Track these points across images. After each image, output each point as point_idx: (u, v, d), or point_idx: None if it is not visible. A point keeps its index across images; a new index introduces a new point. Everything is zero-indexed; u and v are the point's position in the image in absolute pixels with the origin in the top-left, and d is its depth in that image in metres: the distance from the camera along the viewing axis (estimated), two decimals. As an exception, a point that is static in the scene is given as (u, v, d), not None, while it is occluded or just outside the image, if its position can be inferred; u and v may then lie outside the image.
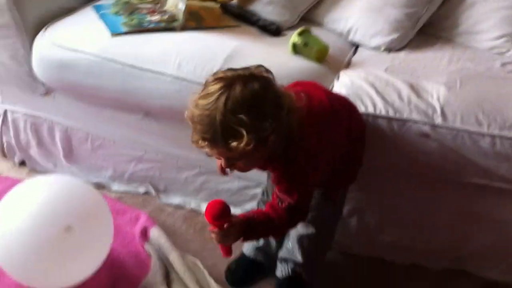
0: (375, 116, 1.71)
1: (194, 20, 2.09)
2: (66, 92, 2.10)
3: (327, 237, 1.80)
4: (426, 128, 1.67)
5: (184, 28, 2.03)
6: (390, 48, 2.04)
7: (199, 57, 1.87)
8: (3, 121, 2.28)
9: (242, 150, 1.26)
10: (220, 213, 1.37)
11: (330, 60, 1.97)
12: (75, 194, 1.70)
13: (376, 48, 2.06)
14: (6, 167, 2.34)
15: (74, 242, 1.63)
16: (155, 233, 1.95)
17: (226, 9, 2.22)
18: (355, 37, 2.11)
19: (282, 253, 1.77)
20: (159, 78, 1.87)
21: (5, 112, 2.26)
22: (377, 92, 1.75)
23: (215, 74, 1.35)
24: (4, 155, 2.37)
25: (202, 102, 1.30)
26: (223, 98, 1.26)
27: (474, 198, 1.77)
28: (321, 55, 1.93)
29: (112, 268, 1.86)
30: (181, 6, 2.06)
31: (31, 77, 2.08)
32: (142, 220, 2.01)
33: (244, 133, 1.25)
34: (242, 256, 1.85)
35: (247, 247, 1.85)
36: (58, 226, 1.60)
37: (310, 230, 1.70)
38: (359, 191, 1.85)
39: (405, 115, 1.69)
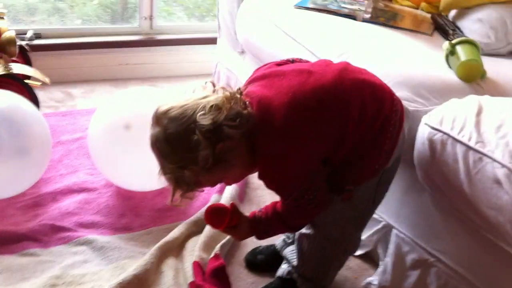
0: (455, 139, 1.32)
1: (385, 17, 1.97)
2: (251, 53, 2.24)
3: (332, 241, 1.43)
4: (501, 172, 1.21)
5: (367, 19, 1.97)
6: None
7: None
8: (214, 71, 2.57)
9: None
10: (216, 219, 1.36)
11: (488, 85, 1.59)
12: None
13: None
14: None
15: (133, 140, 1.72)
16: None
17: (434, 19, 2.01)
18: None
19: (285, 252, 1.55)
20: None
21: (216, 65, 2.54)
22: (477, 116, 1.34)
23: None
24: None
25: None
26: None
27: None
28: (466, 71, 1.58)
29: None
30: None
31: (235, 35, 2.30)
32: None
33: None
34: (272, 245, 1.66)
35: (280, 237, 1.63)
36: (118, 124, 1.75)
37: (310, 230, 1.42)
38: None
39: (487, 149, 1.26)
